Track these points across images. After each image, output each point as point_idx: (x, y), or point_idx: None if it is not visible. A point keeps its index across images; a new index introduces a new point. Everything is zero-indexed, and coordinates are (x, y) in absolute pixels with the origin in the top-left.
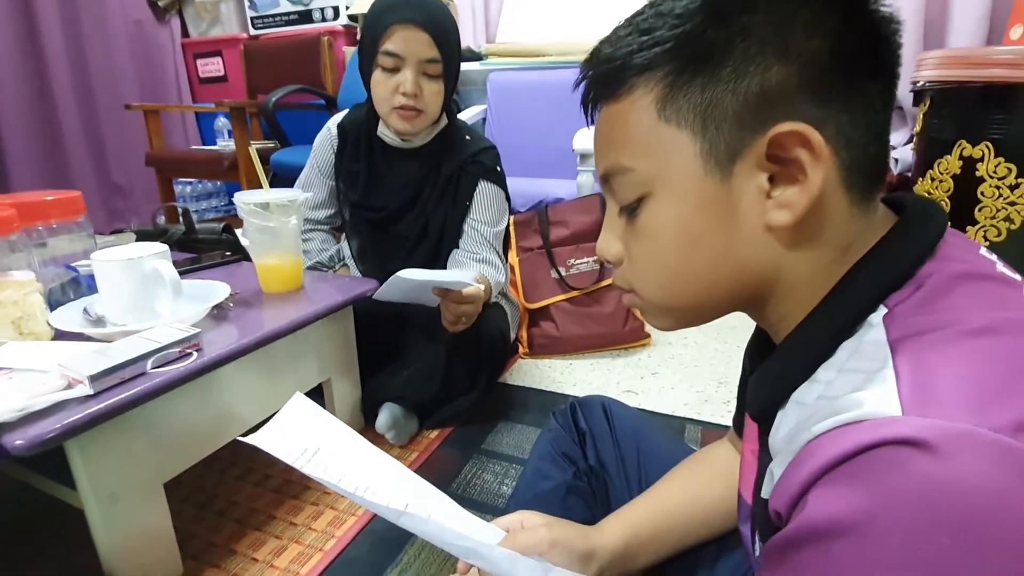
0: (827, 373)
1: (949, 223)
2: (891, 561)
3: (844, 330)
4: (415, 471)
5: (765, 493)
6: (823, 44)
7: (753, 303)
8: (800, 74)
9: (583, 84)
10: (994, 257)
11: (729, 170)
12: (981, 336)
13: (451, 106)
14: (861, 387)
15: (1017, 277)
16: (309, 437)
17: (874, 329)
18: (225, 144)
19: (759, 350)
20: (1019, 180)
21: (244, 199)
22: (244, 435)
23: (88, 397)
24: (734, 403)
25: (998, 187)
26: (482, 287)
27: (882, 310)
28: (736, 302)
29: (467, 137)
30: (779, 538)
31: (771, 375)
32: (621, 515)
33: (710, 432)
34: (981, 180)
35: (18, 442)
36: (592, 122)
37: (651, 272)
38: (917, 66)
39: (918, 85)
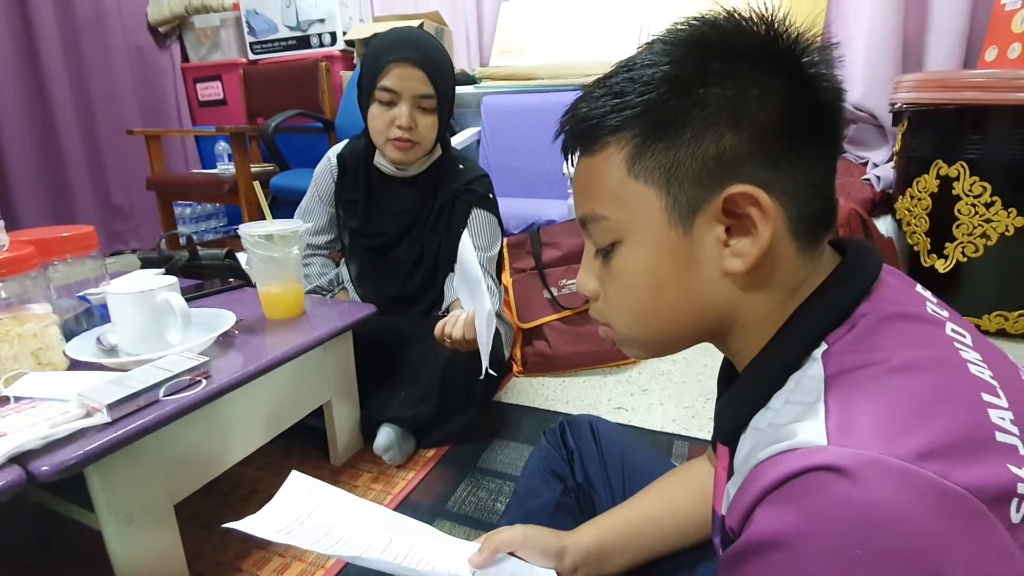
0: (777, 402)
1: (883, 264)
2: (817, 568)
3: (791, 363)
4: (412, 490)
5: (723, 510)
6: (771, 116)
7: (715, 336)
8: (750, 142)
9: (563, 136)
10: (927, 294)
11: (690, 223)
12: (898, 373)
13: (445, 137)
14: (799, 418)
15: (944, 314)
16: (303, 506)
17: (815, 364)
18: (225, 167)
19: (727, 377)
20: (994, 198)
21: (248, 231)
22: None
23: (106, 425)
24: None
25: (974, 205)
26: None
27: (823, 346)
28: (700, 335)
29: (461, 166)
30: (731, 551)
31: (732, 403)
32: (598, 519)
33: (697, 447)
34: (958, 198)
35: (43, 468)
36: (572, 165)
37: (623, 309)
38: (895, 88)
39: (896, 106)
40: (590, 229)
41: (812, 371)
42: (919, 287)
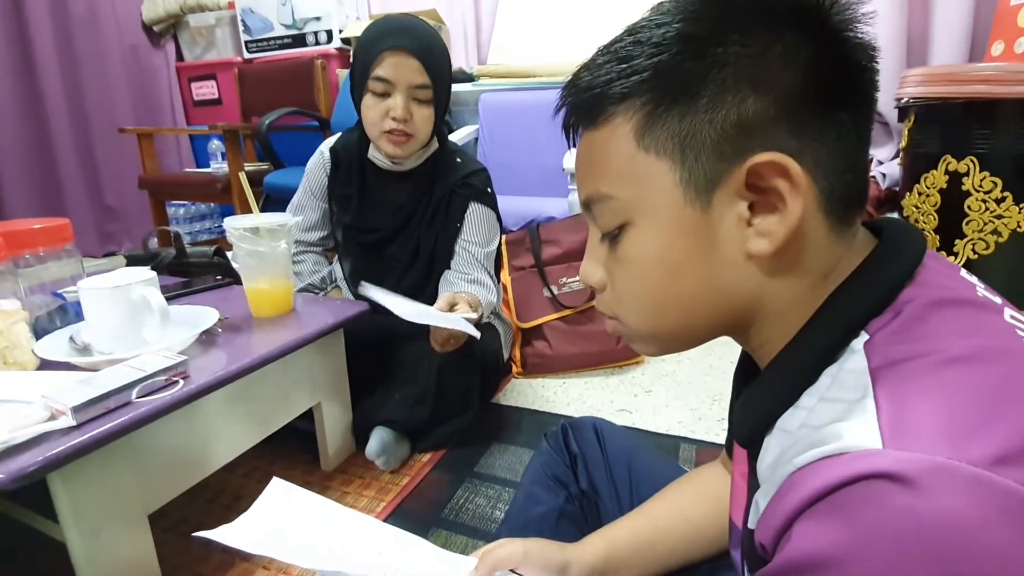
0: (810, 400)
1: (927, 246)
2: None
3: (826, 356)
4: (406, 496)
5: (751, 524)
6: (798, 76)
7: (736, 329)
8: (776, 105)
9: (563, 109)
10: (974, 280)
11: (708, 199)
12: (957, 365)
13: (442, 130)
14: (842, 417)
15: (997, 300)
16: (283, 515)
17: (855, 356)
18: (219, 166)
19: (745, 374)
20: (1005, 194)
21: (233, 224)
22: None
23: (71, 428)
24: (728, 421)
25: (984, 201)
26: (476, 315)
27: (863, 336)
28: (718, 328)
29: (458, 160)
30: (765, 572)
31: (755, 401)
32: (605, 530)
33: (704, 451)
34: (967, 194)
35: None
36: (573, 145)
37: (633, 299)
38: (900, 83)
39: (902, 101)
40: (595, 211)
41: (852, 364)
42: (964, 271)
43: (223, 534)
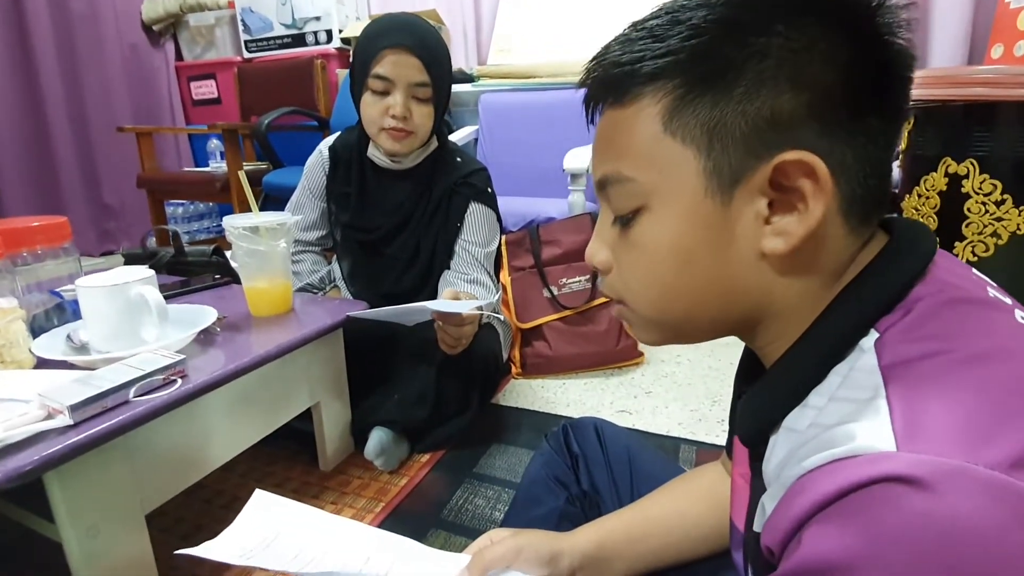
0: (819, 399)
1: (937, 244)
2: None
3: (834, 354)
4: (405, 497)
5: (757, 527)
6: (836, 77)
7: (743, 326)
8: (810, 104)
9: (587, 84)
10: (986, 279)
11: (730, 192)
12: (972, 365)
13: (442, 129)
14: (853, 418)
15: (1008, 300)
16: (268, 527)
17: (865, 355)
18: (217, 166)
19: (748, 373)
20: (1005, 196)
21: (233, 223)
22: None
23: (68, 427)
24: (728, 422)
25: (984, 203)
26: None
27: (873, 334)
28: (726, 324)
29: (458, 159)
30: None
31: (761, 399)
32: (599, 521)
33: (704, 452)
34: (967, 196)
35: None
36: (592, 121)
37: (641, 285)
38: None
39: None
40: (610, 192)
41: (863, 363)
42: (975, 271)
43: (207, 550)
